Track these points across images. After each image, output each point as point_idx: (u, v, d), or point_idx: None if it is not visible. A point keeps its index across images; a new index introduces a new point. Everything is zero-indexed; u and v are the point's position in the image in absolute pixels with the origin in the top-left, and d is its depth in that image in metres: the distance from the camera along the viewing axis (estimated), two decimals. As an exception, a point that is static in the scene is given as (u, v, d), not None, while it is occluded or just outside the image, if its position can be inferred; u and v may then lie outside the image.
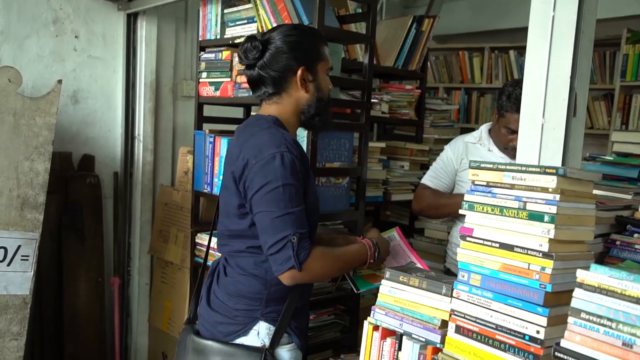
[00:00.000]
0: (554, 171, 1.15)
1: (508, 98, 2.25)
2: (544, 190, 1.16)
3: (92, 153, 3.14)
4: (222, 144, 2.54)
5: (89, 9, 3.11)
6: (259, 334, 1.66)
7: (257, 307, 1.66)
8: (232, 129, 2.78)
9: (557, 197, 1.14)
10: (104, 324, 3.09)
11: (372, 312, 1.50)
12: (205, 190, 2.60)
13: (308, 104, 1.70)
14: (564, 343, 1.06)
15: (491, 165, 1.27)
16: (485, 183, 1.28)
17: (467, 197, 1.31)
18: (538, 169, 1.18)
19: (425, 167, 2.92)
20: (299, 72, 1.66)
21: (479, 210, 1.28)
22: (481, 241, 1.27)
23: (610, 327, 1.01)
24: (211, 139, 2.59)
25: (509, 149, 2.28)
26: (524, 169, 1.21)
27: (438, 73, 4.51)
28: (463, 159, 2.39)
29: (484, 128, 2.44)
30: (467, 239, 1.30)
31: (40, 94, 2.34)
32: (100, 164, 3.18)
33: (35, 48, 2.94)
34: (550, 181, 1.15)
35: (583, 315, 1.04)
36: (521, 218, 1.19)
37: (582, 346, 1.04)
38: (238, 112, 2.92)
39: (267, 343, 1.65)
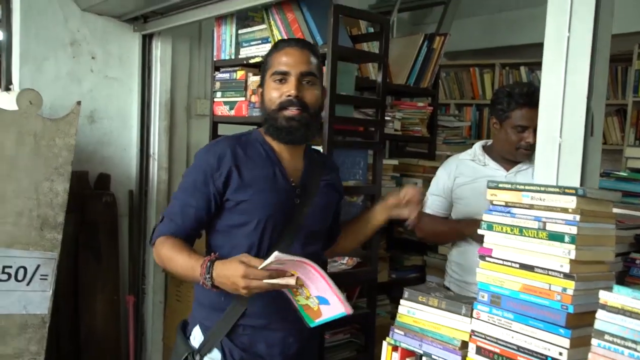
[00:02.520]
0: (574, 191, 1.15)
1: (510, 97, 2.19)
2: (564, 210, 1.16)
3: (108, 172, 3.17)
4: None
5: (106, 31, 3.16)
6: (195, 338, 1.65)
7: (197, 309, 1.69)
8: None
9: (577, 217, 1.14)
10: (119, 342, 3.10)
11: (390, 332, 1.50)
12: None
13: (261, 116, 1.67)
14: (587, 365, 1.06)
15: (509, 185, 1.28)
16: (503, 203, 1.28)
17: (485, 217, 1.31)
18: (557, 189, 1.18)
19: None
20: (257, 90, 1.71)
21: (497, 230, 1.28)
22: (501, 261, 1.27)
23: (635, 350, 1.00)
24: (226, 158, 2.61)
25: (522, 149, 2.19)
26: (543, 189, 1.21)
27: (449, 89, 4.53)
28: (457, 177, 2.33)
29: (477, 145, 2.40)
30: (487, 259, 1.30)
31: (58, 115, 2.38)
32: (115, 182, 3.21)
33: (53, 69, 2.99)
34: (570, 201, 1.15)
35: (607, 337, 1.04)
36: (541, 238, 1.19)
37: (605, 368, 1.04)
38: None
39: (196, 348, 1.62)
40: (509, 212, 1.27)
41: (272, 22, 2.34)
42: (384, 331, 2.69)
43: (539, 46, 4.04)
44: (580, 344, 1.14)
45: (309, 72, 1.59)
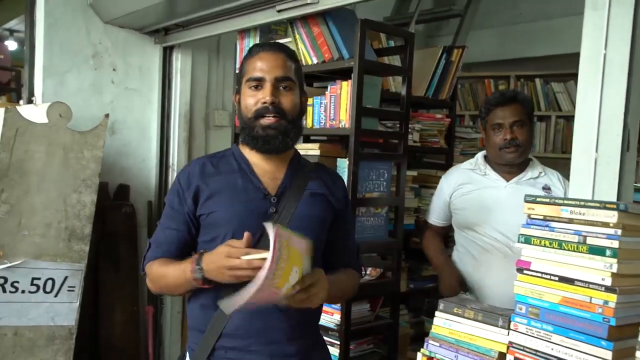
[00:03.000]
0: (615, 206, 1.17)
1: (486, 103, 2.29)
2: (605, 225, 1.18)
3: (127, 182, 3.20)
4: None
5: (127, 43, 3.20)
6: None
7: (188, 333, 1.61)
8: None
9: (619, 231, 1.16)
10: (139, 353, 3.11)
11: (425, 343, 1.51)
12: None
13: (238, 120, 1.60)
14: (632, 378, 1.08)
15: (548, 200, 1.30)
16: (542, 217, 1.30)
17: (522, 231, 1.33)
18: (598, 204, 1.20)
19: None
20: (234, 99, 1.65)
21: (536, 244, 1.30)
22: (539, 274, 1.29)
23: (681, 362, 1.02)
24: (248, 169, 2.63)
25: (504, 149, 2.21)
26: (582, 203, 1.23)
27: (464, 101, 4.55)
28: (458, 188, 2.34)
29: (479, 155, 2.42)
30: (524, 272, 1.32)
31: (79, 127, 2.41)
32: (134, 193, 3.24)
33: (76, 82, 3.03)
34: (612, 216, 1.17)
35: (652, 350, 1.06)
36: (581, 252, 1.21)
37: (652, 381, 1.05)
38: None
39: None
40: (547, 226, 1.29)
41: (297, 36, 2.38)
42: (405, 341, 2.72)
43: (554, 58, 4.06)
44: (621, 356, 1.16)
45: (285, 77, 1.50)
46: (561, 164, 4.21)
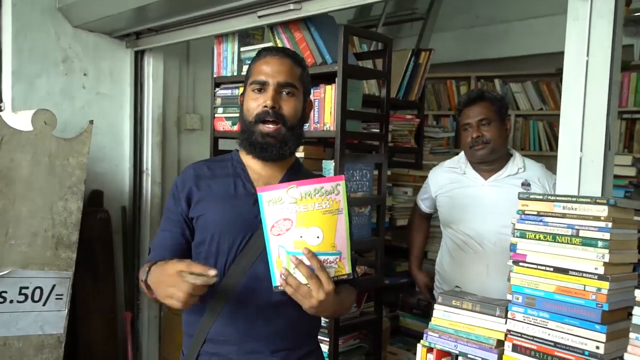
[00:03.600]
0: (605, 201, 1.28)
1: (458, 104, 2.39)
2: (596, 218, 1.29)
3: (101, 188, 3.16)
4: (241, 177, 2.62)
5: (97, 47, 3.16)
6: None
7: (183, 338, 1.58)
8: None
9: (610, 224, 1.26)
10: (118, 359, 3.08)
11: (425, 335, 1.59)
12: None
13: (239, 121, 1.59)
14: (627, 357, 1.18)
15: (541, 197, 1.40)
16: (535, 212, 1.40)
17: (518, 226, 1.43)
18: (589, 200, 1.31)
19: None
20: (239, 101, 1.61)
21: (531, 238, 1.40)
22: (535, 266, 1.39)
23: (671, 341, 1.13)
24: (229, 172, 2.66)
25: (474, 147, 2.28)
26: (574, 199, 1.34)
27: (427, 101, 4.69)
28: (442, 187, 2.44)
29: (462, 154, 2.47)
30: (520, 264, 1.41)
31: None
32: (108, 198, 3.20)
33: (46, 87, 2.97)
34: (602, 210, 1.28)
35: (644, 330, 1.17)
36: (575, 244, 1.32)
37: (645, 359, 1.16)
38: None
39: None
40: (541, 221, 1.39)
41: (278, 41, 2.42)
42: (385, 334, 2.81)
43: (510, 60, 4.25)
44: (613, 337, 1.27)
45: (288, 83, 1.48)
46: (520, 160, 4.42)
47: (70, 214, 2.17)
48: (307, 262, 1.27)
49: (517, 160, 2.32)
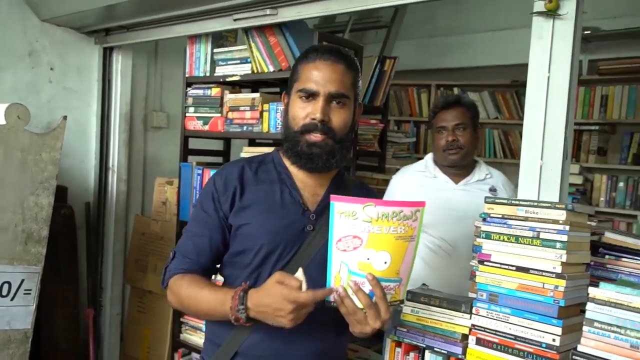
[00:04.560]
0: (564, 206, 1.40)
1: (433, 108, 2.44)
2: (555, 222, 1.40)
3: (65, 184, 3.13)
4: (211, 176, 2.66)
5: (65, 42, 3.14)
6: None
7: (204, 344, 1.54)
8: (217, 161, 2.91)
9: (567, 227, 1.38)
10: (80, 356, 3.06)
11: (394, 330, 1.68)
12: (193, 221, 2.70)
13: (282, 131, 1.50)
14: (580, 348, 1.30)
15: (505, 201, 1.51)
16: (500, 215, 1.51)
17: (484, 228, 1.53)
18: (549, 204, 1.42)
19: (389, 195, 3.16)
20: (282, 97, 1.54)
21: (495, 239, 1.50)
22: (498, 265, 1.49)
23: (620, 333, 1.25)
24: (199, 171, 2.70)
25: (447, 150, 2.32)
26: (535, 204, 1.45)
27: (389, 107, 4.82)
28: (410, 190, 2.41)
29: (429, 157, 2.49)
30: (485, 263, 1.52)
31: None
32: (72, 194, 3.17)
33: (11, 80, 2.93)
34: (561, 214, 1.39)
35: (596, 324, 1.29)
36: (535, 245, 1.43)
37: (596, 349, 1.28)
38: (219, 145, 3.05)
39: None
40: (505, 223, 1.50)
41: (252, 44, 2.48)
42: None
43: (467, 70, 4.44)
44: (568, 331, 1.39)
45: (340, 94, 1.39)
46: (476, 166, 4.61)
47: (41, 209, 2.17)
48: (367, 288, 1.21)
49: (483, 167, 2.41)
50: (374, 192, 1.70)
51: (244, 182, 1.43)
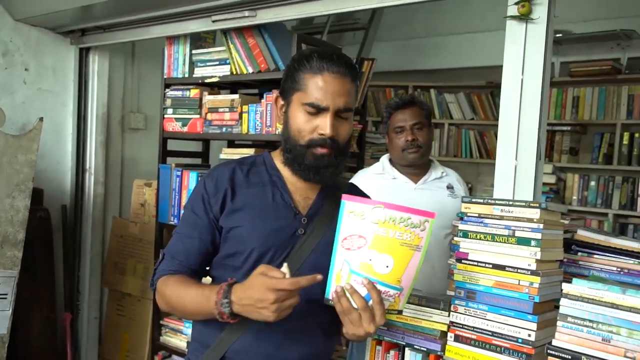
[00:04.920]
0: (537, 205, 1.44)
1: (387, 108, 2.42)
2: (530, 220, 1.44)
3: (41, 186, 3.09)
4: (190, 178, 2.66)
5: (40, 42, 3.10)
6: None
7: (190, 344, 1.53)
8: (195, 162, 2.91)
9: (541, 226, 1.42)
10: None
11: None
12: (172, 222, 2.70)
13: (281, 138, 1.45)
14: (555, 342, 1.34)
15: (482, 200, 1.55)
16: (477, 215, 1.55)
17: (461, 227, 1.57)
18: (523, 203, 1.46)
19: (368, 195, 3.19)
20: (274, 98, 1.49)
21: (472, 238, 1.54)
22: (475, 263, 1.53)
23: (592, 327, 1.29)
24: (178, 173, 2.70)
25: (407, 150, 2.32)
26: (511, 203, 1.49)
27: (367, 108, 4.87)
28: (371, 193, 2.34)
29: (384, 159, 2.47)
30: (463, 261, 1.55)
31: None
32: (48, 196, 3.14)
33: (-16, 81, 2.89)
34: (535, 213, 1.43)
35: (569, 319, 1.33)
36: (511, 243, 1.47)
37: (569, 344, 1.32)
38: (198, 146, 3.04)
39: None
40: (481, 222, 1.53)
41: (231, 45, 2.48)
42: None
43: (444, 71, 4.52)
44: (543, 326, 1.42)
45: (347, 108, 1.37)
46: (452, 166, 4.66)
47: (17, 212, 2.14)
48: (364, 291, 1.21)
49: (438, 165, 2.43)
50: (366, 194, 1.68)
51: (235, 184, 1.42)
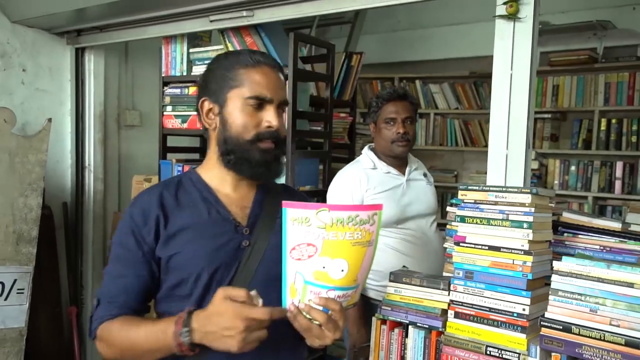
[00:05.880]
0: (529, 191, 1.57)
1: (377, 98, 2.43)
2: (522, 205, 1.57)
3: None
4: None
5: (36, 43, 3.16)
6: None
7: None
8: (194, 157, 3.00)
9: (533, 209, 1.55)
10: (63, 353, 3.11)
11: (378, 309, 1.83)
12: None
13: (217, 142, 1.37)
14: (547, 314, 1.48)
15: (477, 187, 1.67)
16: (473, 201, 1.67)
17: (458, 212, 1.69)
18: (516, 189, 1.59)
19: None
20: (199, 104, 1.39)
21: (469, 222, 1.67)
22: (473, 245, 1.65)
23: (580, 300, 1.43)
24: (179, 168, 2.79)
25: (397, 142, 2.35)
26: (504, 189, 1.62)
27: (356, 100, 4.97)
28: (368, 188, 2.35)
29: (368, 152, 2.47)
30: (461, 244, 1.68)
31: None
32: (49, 195, 3.20)
33: (-17, 82, 2.95)
34: (527, 198, 1.56)
35: (560, 293, 1.47)
36: (505, 226, 1.60)
37: (561, 315, 1.46)
38: (195, 142, 3.14)
39: None
40: (477, 208, 1.66)
41: (229, 44, 2.57)
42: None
43: (429, 62, 4.64)
44: (536, 301, 1.56)
45: (286, 101, 1.38)
46: (439, 155, 4.83)
47: (31, 210, 2.22)
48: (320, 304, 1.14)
49: (411, 157, 2.51)
50: (302, 194, 1.64)
51: (166, 208, 1.32)
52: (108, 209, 3.44)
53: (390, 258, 2.34)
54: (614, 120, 4.02)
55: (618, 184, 4.00)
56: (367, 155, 2.44)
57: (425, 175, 2.51)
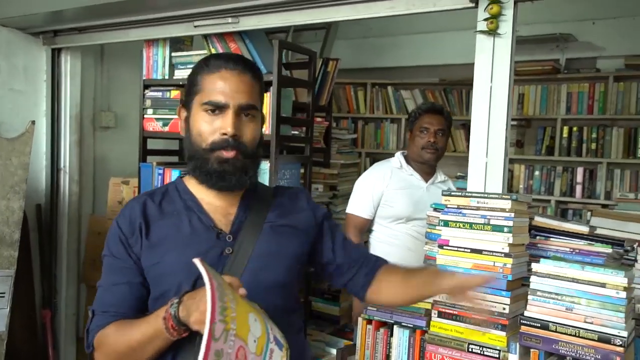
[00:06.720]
0: (509, 197, 1.67)
1: (417, 109, 2.75)
2: (502, 210, 1.67)
3: (15, 186, 3.12)
4: (173, 175, 2.77)
5: (10, 43, 3.11)
6: None
7: None
8: (174, 160, 3.02)
9: (512, 214, 1.66)
10: (39, 356, 3.08)
11: (364, 310, 1.91)
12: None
13: (185, 149, 1.36)
14: (526, 313, 1.58)
15: (460, 194, 1.77)
16: (456, 206, 1.76)
17: (442, 217, 1.78)
18: (497, 195, 1.69)
19: (334, 188, 3.40)
20: (177, 110, 1.42)
21: (452, 226, 1.76)
22: (456, 248, 1.75)
23: (557, 299, 1.54)
24: (160, 171, 2.80)
25: (426, 149, 2.64)
26: (485, 195, 1.72)
27: (332, 105, 5.04)
28: (390, 183, 2.65)
29: (400, 156, 2.76)
30: (445, 247, 1.77)
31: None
32: (23, 196, 3.16)
33: (-45, 81, 2.89)
34: (507, 204, 1.66)
35: (538, 293, 1.57)
36: (486, 230, 1.69)
37: (539, 314, 1.56)
38: (174, 144, 3.15)
39: None
40: (460, 213, 1.75)
41: (212, 50, 2.61)
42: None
43: (399, 69, 4.77)
44: (515, 301, 1.66)
45: (250, 105, 1.30)
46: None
47: (13, 212, 2.21)
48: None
49: (441, 172, 2.78)
50: (294, 189, 1.57)
51: (148, 217, 1.31)
52: (83, 211, 3.41)
53: (396, 250, 2.60)
54: (575, 128, 4.21)
55: (579, 189, 4.20)
56: (397, 157, 2.75)
57: (449, 189, 2.65)
